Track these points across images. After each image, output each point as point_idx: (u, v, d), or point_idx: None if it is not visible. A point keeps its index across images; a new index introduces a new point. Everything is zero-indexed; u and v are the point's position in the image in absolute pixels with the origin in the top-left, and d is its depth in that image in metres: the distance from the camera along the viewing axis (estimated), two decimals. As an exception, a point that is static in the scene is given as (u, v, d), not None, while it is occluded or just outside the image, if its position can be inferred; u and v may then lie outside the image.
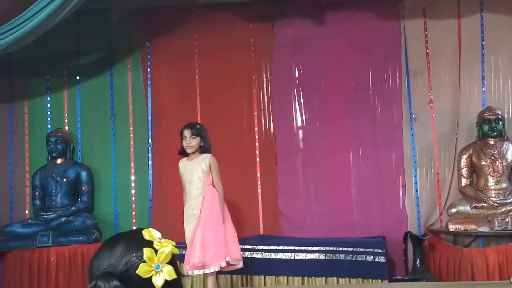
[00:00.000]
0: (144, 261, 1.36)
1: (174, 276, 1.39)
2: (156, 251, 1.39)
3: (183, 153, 5.05)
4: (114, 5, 6.54)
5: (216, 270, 4.89)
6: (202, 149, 4.99)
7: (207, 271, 4.84)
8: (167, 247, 1.40)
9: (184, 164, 5.02)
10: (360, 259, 5.65)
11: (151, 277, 1.36)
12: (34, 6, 5.20)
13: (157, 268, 1.36)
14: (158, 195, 6.61)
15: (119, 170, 6.70)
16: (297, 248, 5.75)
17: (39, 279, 5.84)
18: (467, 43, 6.42)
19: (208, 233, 4.85)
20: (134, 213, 6.63)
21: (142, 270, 1.35)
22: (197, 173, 4.91)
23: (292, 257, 5.71)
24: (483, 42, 6.38)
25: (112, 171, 6.70)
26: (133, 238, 1.44)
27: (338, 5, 6.57)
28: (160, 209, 6.55)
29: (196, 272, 4.87)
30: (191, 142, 4.92)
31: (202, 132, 5.00)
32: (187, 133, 4.94)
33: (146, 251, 1.37)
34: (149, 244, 1.41)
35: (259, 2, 6.74)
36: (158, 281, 1.36)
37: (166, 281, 1.37)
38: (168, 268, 1.38)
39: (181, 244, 4.75)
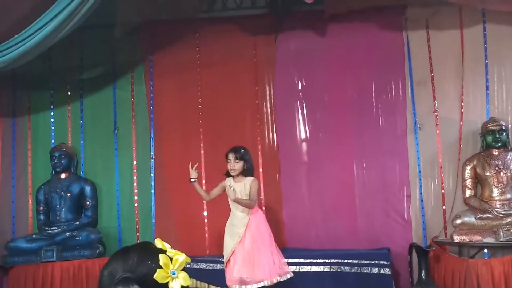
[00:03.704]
0: (161, 267, 1.39)
1: (189, 282, 1.43)
2: (170, 258, 1.42)
3: (228, 175, 5.25)
4: (117, 19, 6.55)
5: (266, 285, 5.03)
6: (246, 172, 5.19)
7: (255, 286, 4.99)
8: (181, 255, 1.45)
9: (229, 183, 5.21)
10: (365, 271, 5.64)
11: (167, 283, 1.39)
12: (37, 22, 5.22)
13: (173, 274, 1.40)
14: (160, 208, 6.61)
15: (122, 184, 6.71)
16: (301, 260, 5.74)
17: (44, 294, 5.84)
18: (470, 53, 6.41)
19: (261, 251, 5.08)
20: (137, 226, 6.62)
21: (159, 276, 1.39)
22: (241, 196, 5.11)
23: (297, 270, 5.67)
24: (486, 53, 6.37)
25: (115, 185, 6.70)
26: (144, 247, 1.49)
27: (341, 17, 6.56)
28: (163, 222, 6.55)
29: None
30: (235, 165, 5.14)
31: (245, 155, 5.21)
32: (231, 157, 5.16)
33: (163, 258, 1.41)
34: (162, 252, 1.44)
35: (261, 15, 6.77)
36: (175, 286, 1.39)
37: (182, 287, 1.40)
38: (183, 275, 1.42)
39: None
